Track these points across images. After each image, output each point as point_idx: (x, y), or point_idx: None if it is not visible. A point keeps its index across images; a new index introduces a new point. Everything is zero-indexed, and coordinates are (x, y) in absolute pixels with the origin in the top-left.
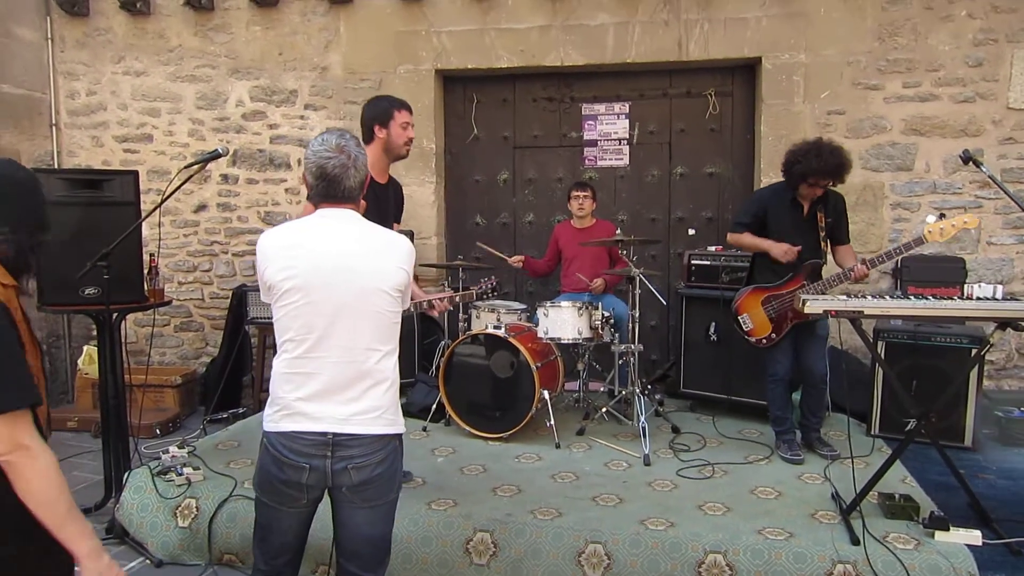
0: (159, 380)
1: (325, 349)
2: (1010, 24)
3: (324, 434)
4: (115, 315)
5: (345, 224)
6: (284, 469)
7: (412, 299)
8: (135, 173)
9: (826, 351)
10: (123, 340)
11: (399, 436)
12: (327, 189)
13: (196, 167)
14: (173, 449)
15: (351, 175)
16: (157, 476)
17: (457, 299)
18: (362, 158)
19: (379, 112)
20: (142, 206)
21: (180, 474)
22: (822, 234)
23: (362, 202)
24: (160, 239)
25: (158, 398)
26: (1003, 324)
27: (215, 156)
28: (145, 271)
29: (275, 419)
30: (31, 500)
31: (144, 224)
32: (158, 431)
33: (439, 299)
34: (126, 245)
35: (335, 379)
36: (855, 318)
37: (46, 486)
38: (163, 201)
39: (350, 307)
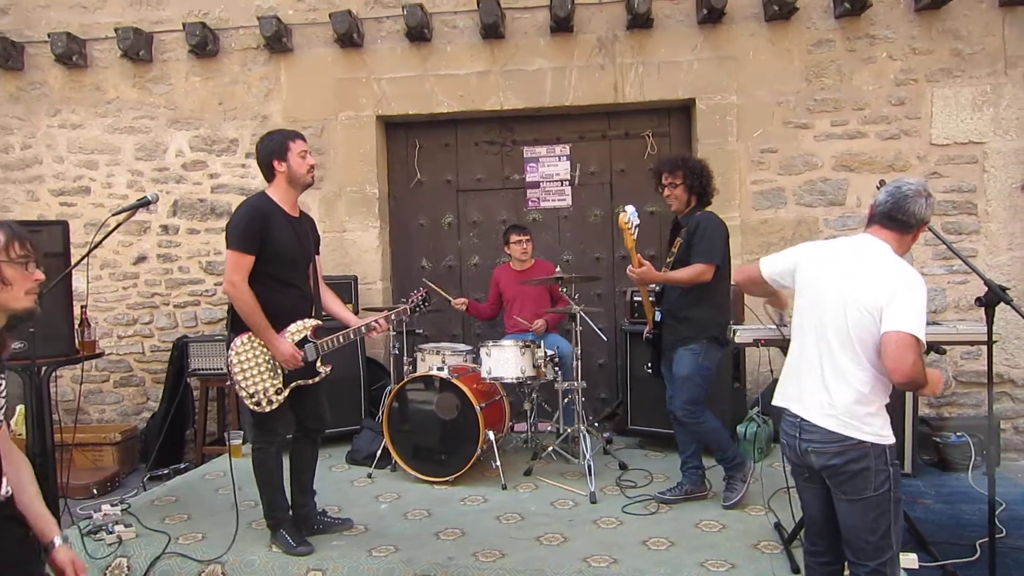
0: (97, 438)
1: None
2: (928, 65)
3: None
4: (43, 369)
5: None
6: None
7: (348, 326)
8: (65, 223)
9: (685, 387)
10: (53, 396)
11: (876, 445)
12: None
13: (124, 215)
14: (106, 507)
15: (884, 201)
16: (87, 536)
17: (393, 316)
18: (910, 201)
19: (275, 147)
20: (74, 259)
21: (111, 532)
22: (668, 260)
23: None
24: (89, 291)
25: (96, 457)
26: (927, 349)
27: (144, 203)
28: (76, 323)
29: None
30: None
31: (81, 278)
32: (95, 491)
33: (376, 320)
34: (54, 297)
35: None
36: (784, 346)
37: None
38: (91, 250)
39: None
